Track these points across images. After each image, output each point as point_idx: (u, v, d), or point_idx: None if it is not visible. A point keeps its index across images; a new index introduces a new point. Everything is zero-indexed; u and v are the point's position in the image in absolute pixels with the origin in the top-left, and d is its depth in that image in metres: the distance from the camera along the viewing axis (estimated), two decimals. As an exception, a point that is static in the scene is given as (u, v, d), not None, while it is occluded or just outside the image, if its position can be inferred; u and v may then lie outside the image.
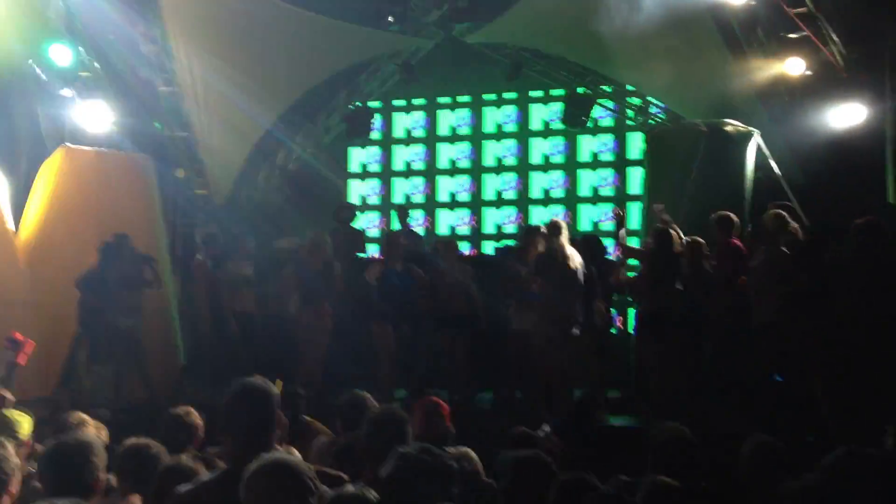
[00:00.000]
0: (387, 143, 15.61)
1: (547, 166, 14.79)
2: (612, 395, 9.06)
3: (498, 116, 15.14)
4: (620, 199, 14.18)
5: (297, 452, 4.19)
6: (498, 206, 15.01)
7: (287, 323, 9.17)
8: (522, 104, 14.97)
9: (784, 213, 7.61)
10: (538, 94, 14.79)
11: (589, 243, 9.32)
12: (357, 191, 15.64)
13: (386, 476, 2.77)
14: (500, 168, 15.06)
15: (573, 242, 8.53)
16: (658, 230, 8.05)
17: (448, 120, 15.36)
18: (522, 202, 14.86)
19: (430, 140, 15.44)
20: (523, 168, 14.91)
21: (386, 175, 15.62)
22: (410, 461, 2.76)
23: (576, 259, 8.11)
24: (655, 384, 7.97)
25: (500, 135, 15.10)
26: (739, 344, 7.77)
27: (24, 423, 4.76)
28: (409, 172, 15.51)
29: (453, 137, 15.33)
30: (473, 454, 4.51)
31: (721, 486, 4.30)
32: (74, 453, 3.35)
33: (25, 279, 9.70)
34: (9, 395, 5.11)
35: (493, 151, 15.11)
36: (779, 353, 7.21)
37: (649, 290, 8.03)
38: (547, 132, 14.82)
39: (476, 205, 15.13)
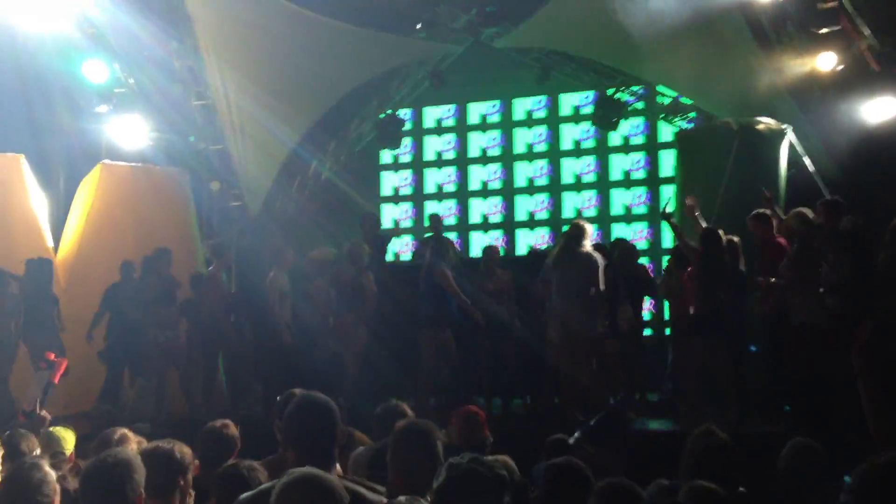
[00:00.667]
0: (418, 134, 15.74)
1: (578, 151, 14.81)
2: (651, 399, 9.01)
3: (528, 104, 15.20)
4: (652, 182, 14.23)
5: (338, 465, 4.22)
6: (531, 194, 15.05)
7: (322, 333, 9.23)
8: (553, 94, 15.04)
9: (806, 211, 7.51)
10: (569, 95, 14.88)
11: (617, 248, 9.28)
12: (389, 183, 15.82)
13: (437, 488, 2.77)
14: (531, 155, 15.11)
15: (599, 247, 8.48)
16: (708, 231, 7.90)
17: (478, 109, 15.47)
18: (554, 188, 14.90)
19: (461, 129, 15.55)
20: (554, 154, 14.95)
21: (417, 168, 15.72)
22: (461, 472, 2.75)
23: (591, 264, 8.03)
24: (697, 386, 7.88)
25: (530, 122, 15.15)
26: (780, 344, 7.69)
27: (69, 439, 4.86)
28: (440, 163, 15.64)
29: (484, 126, 15.41)
30: (511, 462, 4.52)
31: (761, 489, 4.27)
32: (115, 470, 3.34)
33: (66, 295, 9.84)
34: (47, 415, 5.21)
35: (523, 139, 15.18)
36: (819, 353, 7.11)
37: (700, 292, 7.90)
38: (577, 118, 14.84)
39: (507, 192, 15.20)
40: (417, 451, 3.43)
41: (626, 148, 14.57)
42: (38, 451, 4.47)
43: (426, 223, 11.23)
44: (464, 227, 15.28)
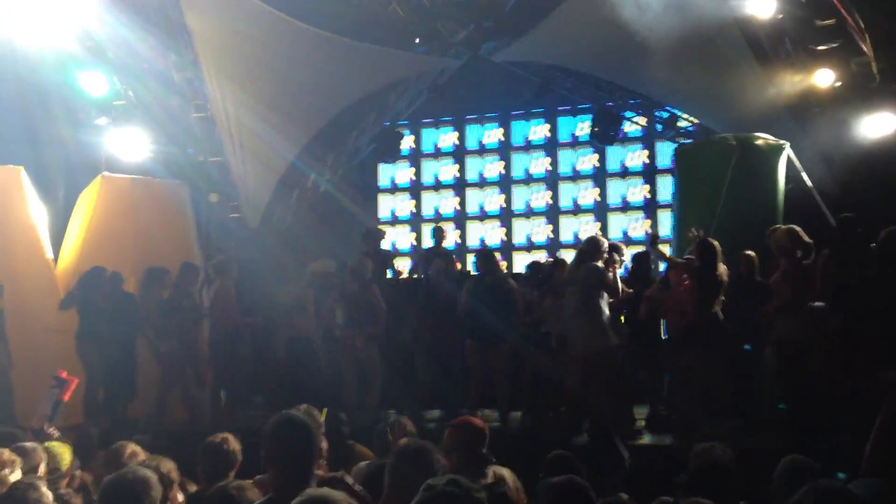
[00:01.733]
0: (416, 158, 15.91)
1: (576, 177, 14.97)
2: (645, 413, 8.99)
3: (526, 130, 15.41)
4: (651, 208, 14.34)
5: (350, 478, 4.24)
6: (528, 217, 15.15)
7: (333, 346, 9.31)
8: (551, 118, 15.21)
9: (797, 228, 7.58)
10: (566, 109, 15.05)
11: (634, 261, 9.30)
12: (387, 205, 15.90)
13: None
14: (529, 180, 15.26)
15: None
16: (703, 242, 7.91)
17: (477, 135, 15.68)
18: (553, 213, 15.09)
19: (460, 154, 15.73)
20: (553, 179, 15.14)
21: (416, 189, 15.89)
22: (436, 494, 2.76)
23: (589, 277, 8.01)
24: (691, 398, 7.87)
25: (528, 147, 15.32)
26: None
27: (66, 455, 4.86)
28: (438, 186, 15.83)
29: (482, 151, 15.57)
30: (509, 475, 4.50)
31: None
32: (134, 489, 3.36)
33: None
34: (54, 432, 5.24)
35: (522, 164, 15.35)
36: (806, 370, 7.19)
37: (695, 303, 7.91)
38: (576, 143, 15.04)
39: (507, 217, 15.34)
40: (416, 471, 3.47)
41: (625, 174, 14.71)
42: (43, 465, 4.49)
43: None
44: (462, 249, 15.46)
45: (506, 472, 4.50)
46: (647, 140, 14.62)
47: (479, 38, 13.05)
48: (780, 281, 7.46)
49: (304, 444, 3.40)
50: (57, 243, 10.57)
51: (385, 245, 11.56)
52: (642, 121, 14.24)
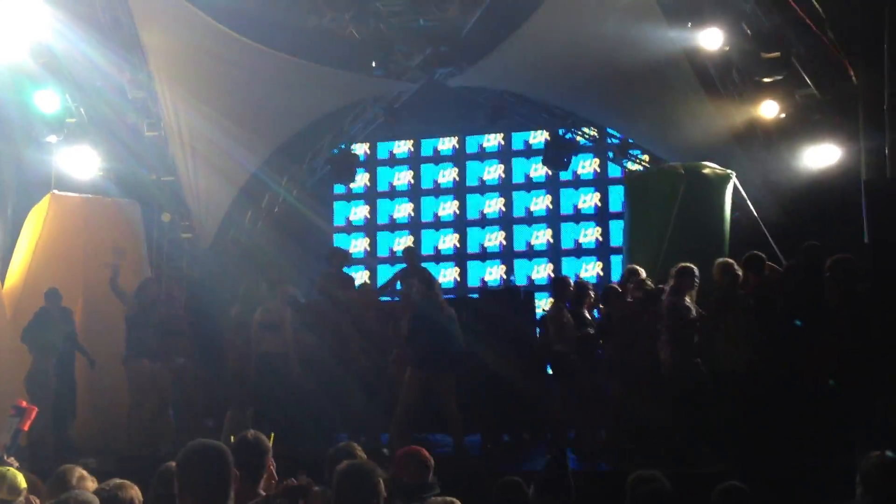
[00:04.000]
0: (372, 195, 16.06)
1: (530, 219, 15.17)
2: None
3: (481, 169, 15.61)
4: (603, 251, 14.57)
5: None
6: (483, 260, 15.35)
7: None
8: (505, 158, 15.44)
9: (732, 261, 7.79)
10: (520, 146, 15.29)
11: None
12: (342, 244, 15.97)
13: None
14: (483, 221, 15.43)
15: None
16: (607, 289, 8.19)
17: (432, 173, 15.83)
18: (507, 253, 15.28)
19: (415, 194, 15.89)
20: (507, 221, 15.34)
21: (371, 229, 16.03)
22: None
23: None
24: (637, 427, 8.00)
25: (483, 188, 15.50)
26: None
27: (21, 481, 4.81)
28: (393, 226, 15.94)
29: (437, 191, 15.73)
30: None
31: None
32: None
33: (11, 326, 9.71)
34: (14, 462, 5.18)
35: (476, 205, 15.55)
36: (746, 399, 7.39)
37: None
38: (530, 185, 15.23)
39: (460, 257, 15.49)
40: (359, 491, 3.55)
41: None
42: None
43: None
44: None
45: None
46: (601, 184, 14.85)
47: (435, 63, 13.19)
48: (716, 313, 7.68)
49: (218, 472, 3.29)
50: (5, 261, 10.43)
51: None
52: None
